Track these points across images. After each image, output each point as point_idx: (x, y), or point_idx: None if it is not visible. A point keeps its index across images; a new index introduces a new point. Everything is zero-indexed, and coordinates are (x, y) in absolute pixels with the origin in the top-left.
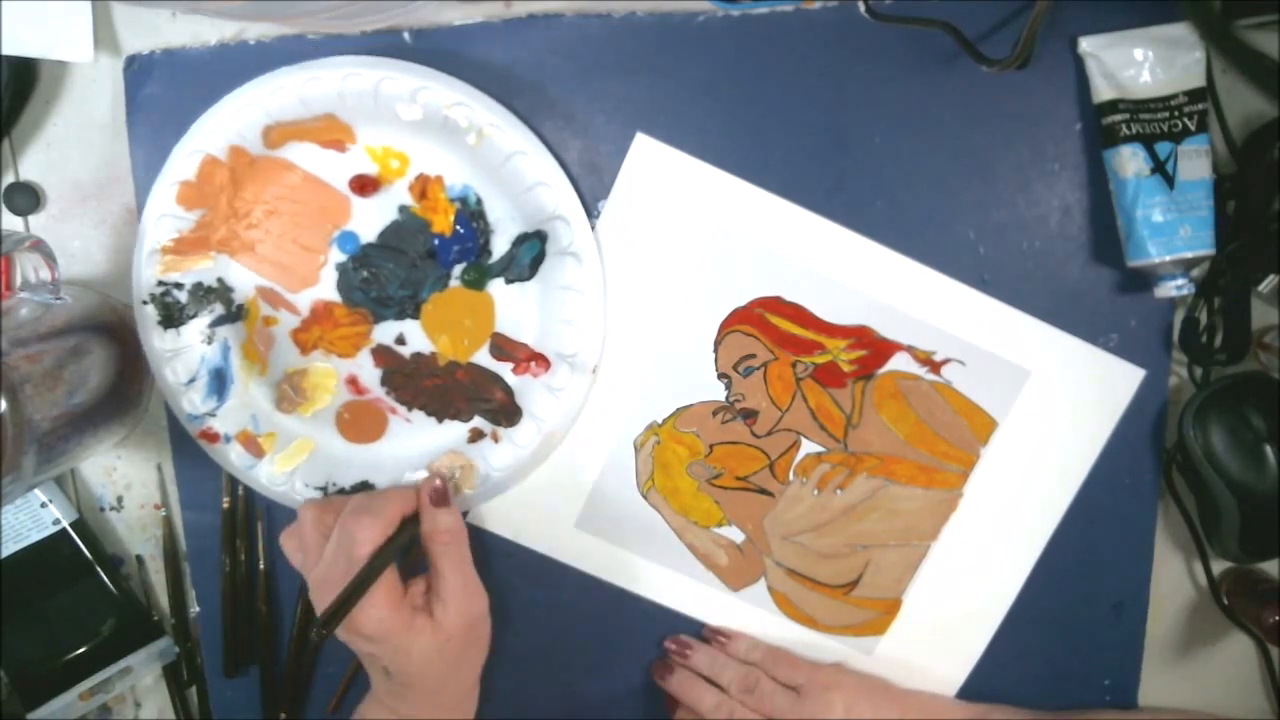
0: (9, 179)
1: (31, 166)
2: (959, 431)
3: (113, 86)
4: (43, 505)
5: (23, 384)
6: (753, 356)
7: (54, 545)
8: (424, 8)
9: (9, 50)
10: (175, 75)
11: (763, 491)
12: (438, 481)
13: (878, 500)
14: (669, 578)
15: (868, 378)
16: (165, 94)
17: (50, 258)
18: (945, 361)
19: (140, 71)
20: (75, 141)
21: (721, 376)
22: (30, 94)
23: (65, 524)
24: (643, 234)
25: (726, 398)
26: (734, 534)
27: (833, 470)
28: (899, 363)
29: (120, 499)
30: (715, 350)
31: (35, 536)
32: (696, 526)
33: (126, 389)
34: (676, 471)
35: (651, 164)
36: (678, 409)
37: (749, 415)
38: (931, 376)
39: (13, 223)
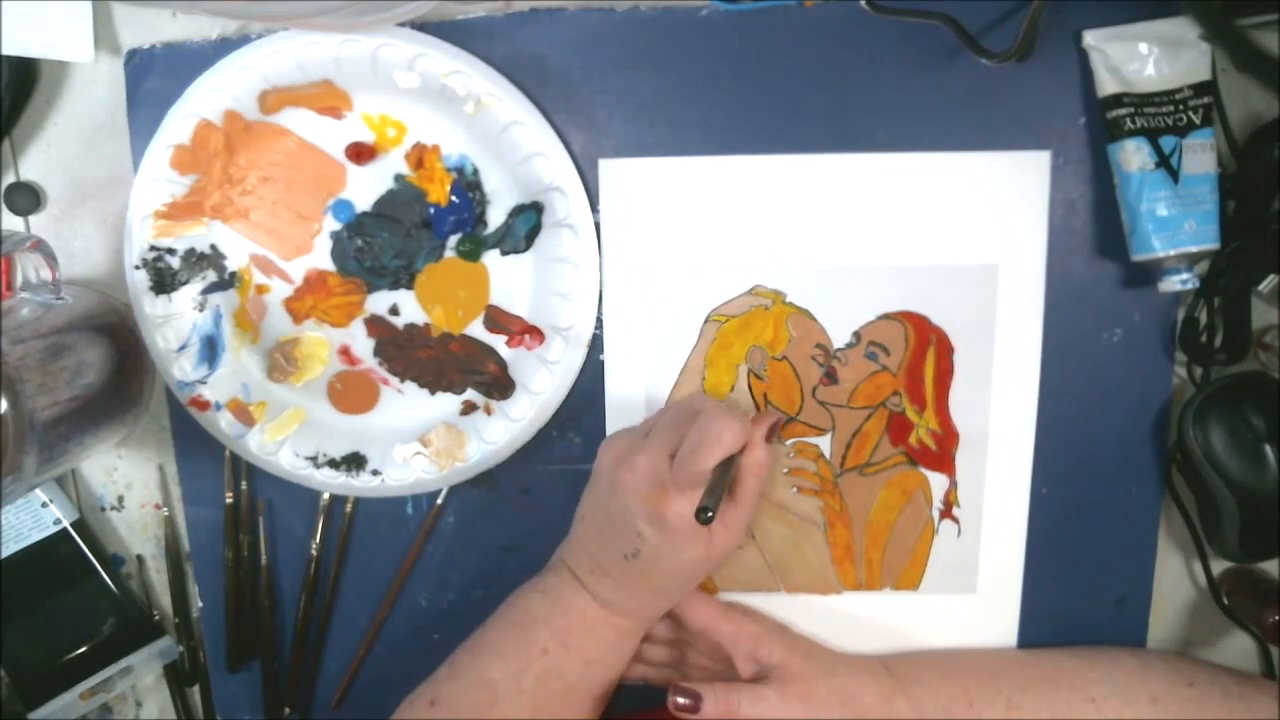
0: (9, 179)
1: (31, 166)
2: (899, 555)
3: (113, 86)
4: (43, 505)
5: (23, 384)
6: (889, 354)
7: (55, 545)
8: (424, 7)
9: (9, 50)
10: (176, 70)
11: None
12: (776, 418)
13: (805, 525)
14: None
15: (911, 462)
16: (166, 88)
17: (50, 258)
18: (952, 510)
19: (140, 66)
20: (75, 141)
21: (855, 335)
22: (30, 94)
23: (66, 524)
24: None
25: (835, 350)
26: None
27: (809, 474)
28: (934, 481)
29: (121, 499)
30: (874, 318)
31: (36, 536)
32: (701, 380)
33: (127, 388)
34: (741, 340)
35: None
36: (811, 309)
37: (831, 375)
38: (938, 516)
39: (13, 223)
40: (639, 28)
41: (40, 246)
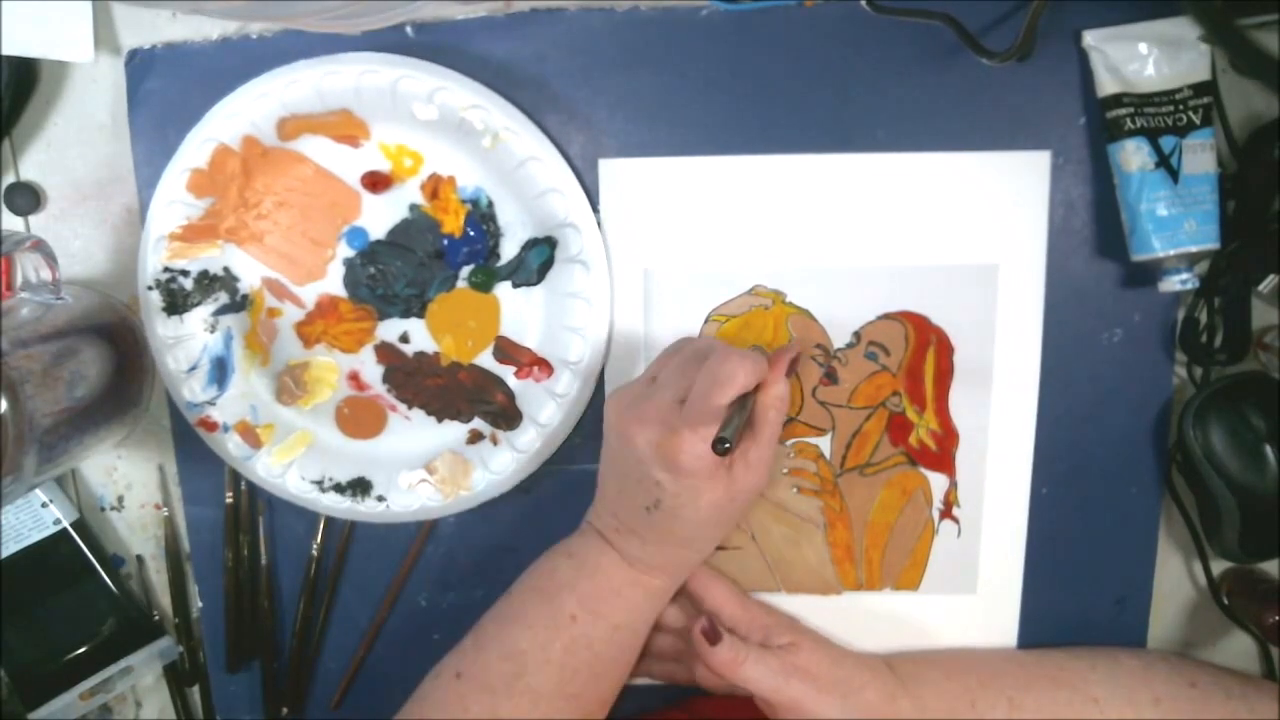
0: (9, 179)
1: (31, 166)
2: (899, 555)
3: (113, 86)
4: (43, 505)
5: (23, 384)
6: (889, 354)
7: (54, 545)
8: (425, 7)
9: (9, 50)
10: (177, 70)
11: None
12: (795, 352)
13: (805, 525)
14: None
15: (911, 462)
16: (167, 88)
17: (50, 258)
18: (952, 510)
19: (141, 66)
20: (75, 141)
21: (855, 335)
22: (30, 94)
23: (66, 524)
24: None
25: (835, 350)
26: None
27: (809, 474)
28: (934, 481)
29: (121, 499)
30: (874, 318)
31: (36, 536)
32: None
33: (127, 388)
34: (741, 340)
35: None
36: (811, 309)
37: (831, 375)
38: (938, 516)
39: (13, 223)
40: (639, 28)
41: (40, 246)
